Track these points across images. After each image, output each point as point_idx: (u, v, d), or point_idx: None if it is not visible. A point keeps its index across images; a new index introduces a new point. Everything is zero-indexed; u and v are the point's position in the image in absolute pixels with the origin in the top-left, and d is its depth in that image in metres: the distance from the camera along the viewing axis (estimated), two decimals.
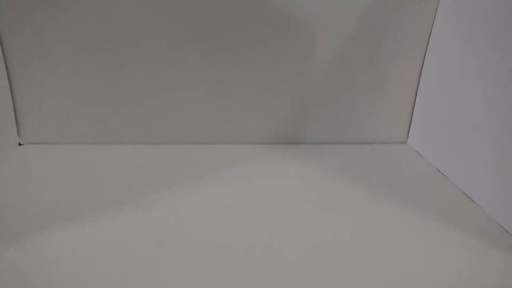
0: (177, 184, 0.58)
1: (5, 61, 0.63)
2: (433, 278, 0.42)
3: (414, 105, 0.74)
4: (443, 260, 0.45)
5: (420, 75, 0.72)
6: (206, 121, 0.72)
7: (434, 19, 0.68)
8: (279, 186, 0.60)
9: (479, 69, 0.57)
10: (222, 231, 0.48)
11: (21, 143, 0.69)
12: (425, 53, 0.70)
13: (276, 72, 0.69)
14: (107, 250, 0.44)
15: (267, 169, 0.65)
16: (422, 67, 0.71)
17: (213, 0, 0.63)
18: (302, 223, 0.51)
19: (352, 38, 0.68)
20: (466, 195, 0.59)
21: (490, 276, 0.43)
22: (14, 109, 0.66)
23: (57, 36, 0.63)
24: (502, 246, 0.48)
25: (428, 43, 0.70)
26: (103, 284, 0.40)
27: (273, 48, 0.67)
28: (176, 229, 0.48)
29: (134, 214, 0.51)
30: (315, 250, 0.46)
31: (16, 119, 0.67)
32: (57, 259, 0.43)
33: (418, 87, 0.73)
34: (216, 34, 0.66)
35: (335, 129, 0.75)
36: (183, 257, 0.44)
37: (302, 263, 0.44)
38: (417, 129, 0.75)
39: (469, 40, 0.59)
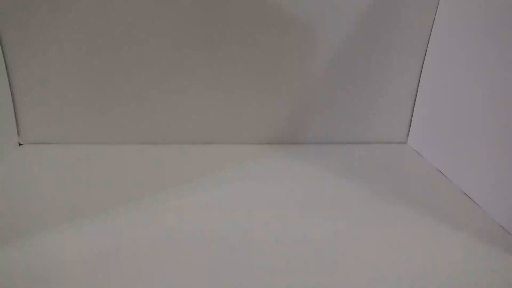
0: (177, 184, 0.58)
1: (5, 61, 0.63)
2: (433, 278, 0.42)
3: (414, 105, 0.74)
4: (443, 260, 0.45)
5: (420, 75, 0.72)
6: (206, 121, 0.71)
7: (434, 19, 0.68)
8: (279, 186, 0.60)
9: (479, 69, 0.57)
10: (222, 231, 0.48)
11: (21, 143, 0.69)
12: (425, 53, 0.70)
13: (276, 72, 0.69)
14: (107, 250, 0.44)
15: (267, 169, 0.65)
16: (422, 67, 0.71)
17: (213, 1, 0.63)
18: (302, 223, 0.51)
19: (352, 38, 0.68)
20: (466, 195, 0.59)
21: (490, 276, 0.43)
22: (14, 109, 0.66)
23: (57, 36, 0.63)
24: (502, 246, 0.48)
25: (428, 43, 0.70)
26: (103, 283, 0.39)
27: (273, 48, 0.67)
28: (176, 229, 0.48)
29: (134, 214, 0.51)
30: (315, 250, 0.46)
31: (16, 119, 0.67)
32: (57, 259, 0.42)
33: (418, 87, 0.73)
34: (216, 34, 0.66)
35: (335, 129, 0.75)
36: (183, 257, 0.44)
37: (302, 263, 0.44)
38: (417, 129, 0.75)
39: (469, 39, 0.59)
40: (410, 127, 0.76)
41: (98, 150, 0.68)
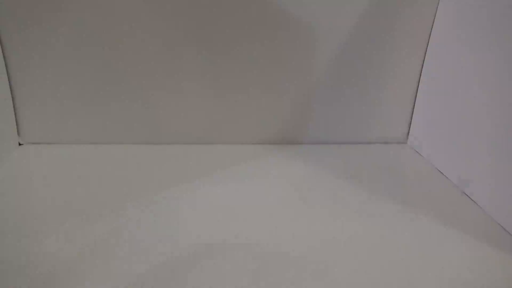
0: (177, 184, 0.58)
1: (5, 61, 0.63)
2: (433, 278, 0.42)
3: (414, 105, 0.74)
4: (442, 260, 0.45)
5: (420, 75, 0.72)
6: (206, 121, 0.72)
7: (434, 19, 0.68)
8: (279, 186, 0.60)
9: (479, 69, 0.57)
10: (222, 231, 0.48)
11: (21, 143, 0.69)
12: (425, 53, 0.70)
13: (276, 72, 0.69)
14: (107, 250, 0.44)
15: (267, 169, 0.65)
16: (422, 67, 0.71)
17: (213, 0, 0.63)
18: (302, 223, 0.51)
19: (352, 38, 0.68)
20: (466, 195, 0.59)
21: (490, 276, 0.43)
22: (14, 109, 0.66)
23: (57, 36, 0.63)
24: (502, 246, 0.48)
25: (428, 43, 0.70)
26: (103, 284, 0.40)
27: (273, 48, 0.67)
28: (176, 229, 0.48)
29: (134, 214, 0.51)
30: (314, 250, 0.46)
31: (16, 119, 0.67)
32: (57, 259, 0.43)
33: (418, 87, 0.73)
34: (216, 33, 0.66)
35: (335, 129, 0.75)
36: (183, 257, 0.44)
37: (302, 263, 0.44)
38: (417, 129, 0.75)
39: (469, 40, 0.59)
40: (410, 127, 0.76)
41: (98, 150, 0.69)
